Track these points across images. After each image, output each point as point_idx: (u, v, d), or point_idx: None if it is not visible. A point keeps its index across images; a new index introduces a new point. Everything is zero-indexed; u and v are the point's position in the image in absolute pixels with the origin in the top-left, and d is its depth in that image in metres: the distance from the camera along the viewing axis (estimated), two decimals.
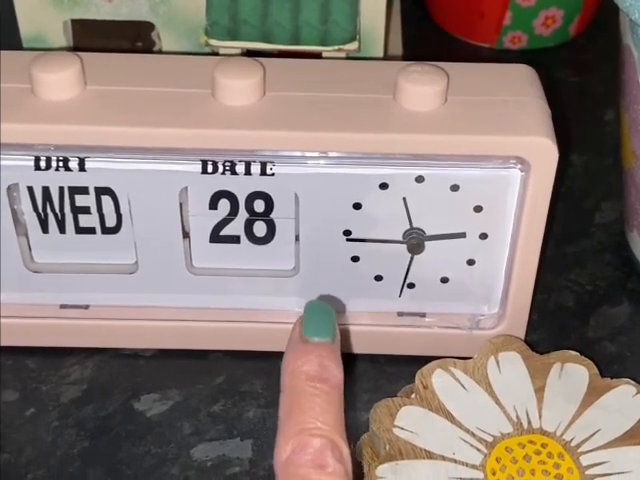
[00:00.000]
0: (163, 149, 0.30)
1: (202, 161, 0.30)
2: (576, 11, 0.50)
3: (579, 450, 0.28)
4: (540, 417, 0.29)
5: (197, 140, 0.29)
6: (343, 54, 0.38)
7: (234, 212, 0.32)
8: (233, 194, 0.31)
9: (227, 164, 0.30)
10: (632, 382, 0.30)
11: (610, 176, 0.43)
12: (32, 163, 0.30)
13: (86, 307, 0.34)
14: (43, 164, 0.30)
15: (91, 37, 0.41)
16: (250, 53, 0.40)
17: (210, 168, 0.30)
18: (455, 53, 0.52)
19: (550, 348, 0.35)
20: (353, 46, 0.37)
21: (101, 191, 0.31)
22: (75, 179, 0.31)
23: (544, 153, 0.29)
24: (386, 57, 0.43)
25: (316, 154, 0.30)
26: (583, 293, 0.38)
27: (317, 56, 0.38)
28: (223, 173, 0.30)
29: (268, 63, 0.31)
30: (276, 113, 0.30)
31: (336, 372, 0.24)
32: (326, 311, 0.26)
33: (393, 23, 0.47)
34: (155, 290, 0.33)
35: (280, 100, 0.30)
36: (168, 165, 0.30)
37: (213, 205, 0.32)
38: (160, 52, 0.40)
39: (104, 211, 0.32)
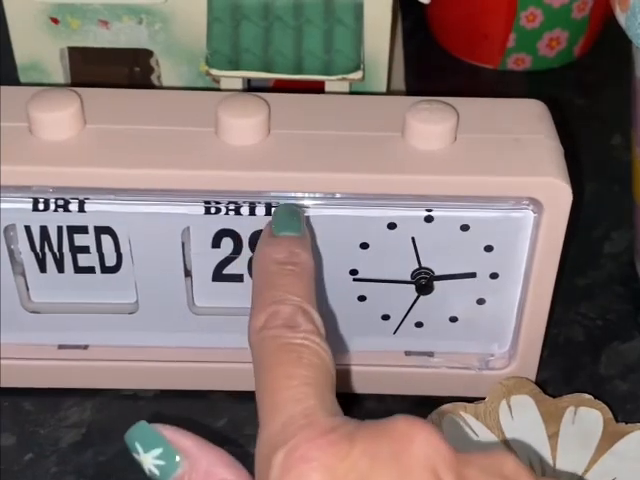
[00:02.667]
0: (165, 190, 0.29)
1: (205, 202, 0.29)
2: (580, 33, 0.49)
3: None
4: (554, 466, 0.29)
5: (200, 181, 0.29)
6: (347, 83, 0.38)
7: (237, 250, 0.31)
8: (237, 233, 0.31)
9: (231, 205, 0.29)
10: None
11: (619, 203, 0.42)
12: (30, 205, 0.29)
13: (85, 347, 0.33)
14: (41, 206, 0.29)
15: (89, 63, 0.40)
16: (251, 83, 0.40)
17: (213, 209, 0.29)
18: (458, 74, 0.51)
19: (561, 387, 0.34)
20: (357, 75, 0.37)
21: (101, 230, 0.30)
22: (74, 219, 0.30)
23: (557, 194, 0.28)
24: (389, 92, 0.42)
25: (322, 195, 0.29)
26: (593, 328, 0.37)
27: (320, 85, 0.38)
28: (227, 214, 0.30)
29: (272, 99, 0.30)
30: (281, 153, 0.29)
31: (305, 257, 0.25)
32: (294, 210, 0.27)
33: (395, 59, 0.46)
34: (156, 330, 0.33)
35: (285, 139, 0.29)
36: (170, 207, 0.29)
37: (216, 244, 0.31)
38: (159, 79, 0.39)
39: (104, 250, 0.31)
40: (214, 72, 0.36)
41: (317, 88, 0.38)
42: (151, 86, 0.40)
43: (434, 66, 0.51)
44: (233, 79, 0.38)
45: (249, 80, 0.39)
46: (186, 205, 0.29)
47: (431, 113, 0.29)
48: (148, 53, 0.39)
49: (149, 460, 0.22)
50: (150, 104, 0.30)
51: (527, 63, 0.50)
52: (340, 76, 0.37)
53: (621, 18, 0.29)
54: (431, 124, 0.29)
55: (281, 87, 0.40)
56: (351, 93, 0.38)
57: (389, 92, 0.43)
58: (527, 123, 0.30)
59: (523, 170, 0.28)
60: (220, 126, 0.29)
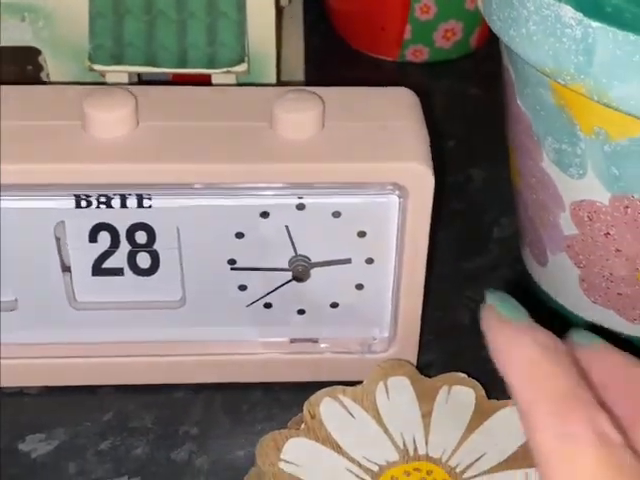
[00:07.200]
0: (34, 185, 0.29)
1: (75, 196, 0.29)
2: (475, 23, 0.50)
3: (464, 476, 0.28)
4: (427, 443, 0.29)
5: (68, 175, 0.29)
6: (233, 76, 0.38)
7: (115, 244, 0.31)
8: (113, 226, 0.31)
9: (102, 198, 0.30)
10: None
11: (510, 191, 0.43)
12: None
13: None
14: None
15: None
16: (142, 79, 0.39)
17: (84, 203, 0.29)
18: (358, 66, 0.52)
19: (445, 368, 0.35)
20: (242, 68, 0.37)
21: None
22: None
23: (420, 179, 0.29)
24: (287, 82, 0.42)
25: (193, 185, 0.29)
26: (479, 311, 0.38)
27: (207, 79, 0.38)
28: (98, 207, 0.30)
29: (141, 92, 0.30)
30: (150, 144, 0.29)
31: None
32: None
33: (296, 52, 0.46)
34: (37, 326, 0.32)
35: (154, 130, 0.29)
36: (40, 202, 0.29)
37: (93, 238, 0.31)
38: (48, 76, 0.39)
39: None
40: (97, 67, 0.36)
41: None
42: (41, 84, 0.40)
43: (335, 59, 0.52)
44: (119, 74, 0.38)
45: (139, 75, 0.40)
46: (56, 199, 0.29)
47: (297, 102, 0.29)
48: (37, 51, 0.39)
49: None
50: (18, 99, 0.30)
51: (425, 54, 0.51)
52: (225, 69, 0.37)
53: (480, 4, 0.30)
54: (297, 113, 0.29)
55: (179, 81, 0.40)
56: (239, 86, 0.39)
57: (285, 84, 0.43)
58: (395, 110, 0.31)
59: (386, 156, 0.29)
60: (86, 119, 0.29)
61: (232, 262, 0.31)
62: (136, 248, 0.31)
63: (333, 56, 0.52)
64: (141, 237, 0.31)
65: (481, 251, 0.40)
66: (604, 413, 0.20)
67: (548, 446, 0.19)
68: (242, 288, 0.32)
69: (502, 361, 0.22)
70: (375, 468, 0.29)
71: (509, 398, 0.31)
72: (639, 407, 0.21)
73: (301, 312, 0.33)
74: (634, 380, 0.21)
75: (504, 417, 0.30)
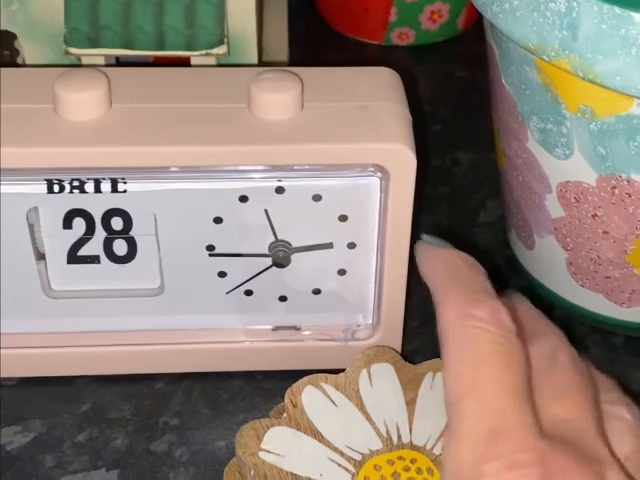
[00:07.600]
0: (4, 170, 0.28)
1: (47, 181, 0.29)
2: (461, 5, 0.49)
3: None
4: (411, 431, 0.29)
5: (39, 159, 0.28)
6: (212, 59, 0.37)
7: (91, 231, 0.30)
8: (88, 212, 0.30)
9: (75, 183, 0.29)
10: None
11: (496, 174, 0.42)
12: None
13: None
14: None
15: None
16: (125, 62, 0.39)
17: (56, 188, 0.29)
18: (344, 51, 0.51)
19: (431, 355, 0.34)
20: (221, 50, 0.36)
21: None
22: None
23: (401, 160, 0.28)
24: (269, 63, 0.41)
25: (169, 169, 0.28)
26: None
27: (187, 61, 0.37)
28: (71, 192, 0.29)
29: (114, 73, 0.29)
30: (123, 127, 0.28)
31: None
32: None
33: (279, 36, 0.46)
34: (11, 316, 0.32)
35: (128, 112, 0.29)
36: (11, 187, 0.28)
37: (67, 224, 0.30)
38: (23, 61, 0.38)
39: None
40: (73, 51, 0.35)
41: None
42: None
43: (320, 43, 0.51)
44: (96, 57, 0.37)
45: (117, 58, 0.39)
46: (28, 184, 0.29)
47: (275, 83, 0.28)
48: (12, 36, 0.38)
49: None
50: None
51: (411, 37, 0.50)
52: (204, 51, 0.36)
53: None
54: (275, 94, 0.28)
55: (158, 64, 0.39)
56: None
57: (267, 66, 0.42)
58: (376, 90, 0.30)
59: (367, 137, 0.28)
60: (58, 102, 0.28)
61: (211, 248, 0.31)
62: (112, 235, 0.30)
63: (318, 40, 0.51)
64: (117, 223, 0.30)
65: (467, 235, 0.40)
66: (505, 308, 0.23)
67: (451, 322, 0.23)
68: (222, 275, 0.31)
69: (426, 269, 0.26)
70: (358, 457, 0.28)
71: None
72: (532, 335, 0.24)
73: (283, 299, 0.32)
74: (533, 319, 0.26)
75: None
